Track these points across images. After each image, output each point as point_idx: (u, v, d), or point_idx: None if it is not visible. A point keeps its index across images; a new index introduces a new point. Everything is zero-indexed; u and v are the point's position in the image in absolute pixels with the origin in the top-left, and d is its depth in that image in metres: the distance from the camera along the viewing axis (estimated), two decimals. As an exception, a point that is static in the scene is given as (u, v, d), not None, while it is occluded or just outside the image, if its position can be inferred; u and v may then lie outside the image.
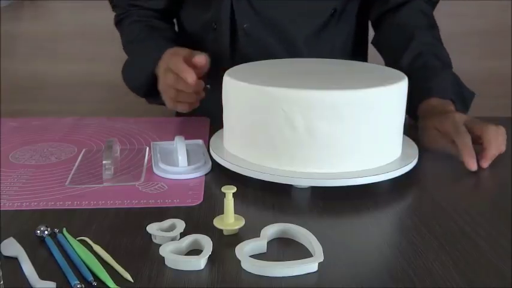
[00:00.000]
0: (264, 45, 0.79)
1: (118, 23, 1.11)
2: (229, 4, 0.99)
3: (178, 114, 1.13)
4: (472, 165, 0.77)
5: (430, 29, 1.02)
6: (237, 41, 1.00)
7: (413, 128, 0.86)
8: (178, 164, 0.77)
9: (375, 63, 0.89)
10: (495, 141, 0.79)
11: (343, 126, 0.68)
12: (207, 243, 0.56)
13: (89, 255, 0.55)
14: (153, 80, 0.94)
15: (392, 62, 0.96)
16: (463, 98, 0.94)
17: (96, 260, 0.54)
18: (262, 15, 1.00)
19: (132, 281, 0.51)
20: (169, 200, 0.68)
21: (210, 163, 0.78)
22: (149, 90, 0.98)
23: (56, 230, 0.60)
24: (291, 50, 0.99)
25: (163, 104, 0.94)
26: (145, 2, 1.06)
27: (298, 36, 0.98)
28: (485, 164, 0.78)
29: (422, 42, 0.97)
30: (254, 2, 0.99)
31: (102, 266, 0.53)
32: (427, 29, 1.01)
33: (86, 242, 0.58)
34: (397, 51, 0.98)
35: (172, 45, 0.95)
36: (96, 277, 0.52)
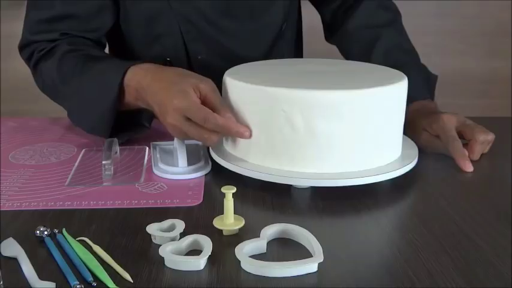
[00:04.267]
0: (221, 73, 0.79)
1: (39, 61, 0.92)
2: (181, 40, 0.98)
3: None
4: (468, 167, 0.78)
5: (393, 24, 1.03)
6: (195, 70, 0.97)
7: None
8: (178, 164, 0.77)
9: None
10: (480, 150, 0.82)
11: (343, 127, 0.68)
12: (206, 243, 0.56)
13: (89, 255, 0.55)
14: (118, 107, 0.82)
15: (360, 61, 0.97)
16: (432, 88, 0.97)
17: (95, 261, 0.54)
18: (215, 44, 1.00)
19: (131, 281, 0.51)
20: (169, 200, 0.68)
21: (210, 163, 0.78)
22: (115, 124, 0.85)
23: (56, 231, 0.60)
24: None
25: (133, 136, 0.88)
26: (86, 32, 0.94)
27: (253, 57, 0.97)
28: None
29: (388, 40, 0.99)
30: (205, 33, 0.98)
31: (102, 266, 0.53)
32: (390, 24, 1.02)
33: (86, 242, 0.58)
34: (364, 52, 0.99)
35: (134, 62, 0.82)
36: (95, 277, 0.52)
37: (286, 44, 1.09)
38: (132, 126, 0.89)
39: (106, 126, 0.84)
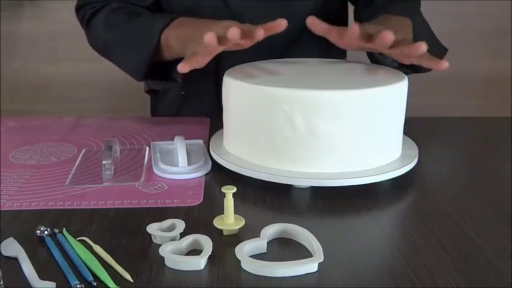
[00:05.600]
0: (241, 52, 0.81)
1: (91, 18, 1.00)
2: (210, 15, 0.98)
3: (177, 114, 1.13)
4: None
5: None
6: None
7: (413, 128, 0.86)
8: (178, 164, 0.77)
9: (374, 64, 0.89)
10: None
11: (343, 126, 0.68)
12: (207, 243, 0.56)
13: (89, 255, 0.55)
14: (155, 57, 0.90)
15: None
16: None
17: (96, 260, 0.54)
18: (241, 22, 1.00)
19: (132, 281, 0.51)
20: (169, 200, 0.68)
21: (210, 163, 0.78)
22: (150, 69, 0.92)
23: (56, 230, 0.60)
24: (266, 56, 0.98)
25: (166, 87, 0.94)
26: None
27: (274, 42, 0.97)
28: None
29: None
30: (233, 13, 0.99)
31: (102, 266, 0.53)
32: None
33: (86, 242, 0.58)
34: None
35: (176, 16, 0.90)
36: (96, 277, 0.52)
37: (313, 37, 1.07)
38: (164, 79, 0.96)
39: (144, 68, 0.91)
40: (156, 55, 0.90)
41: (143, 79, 0.97)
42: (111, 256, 0.55)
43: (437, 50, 0.95)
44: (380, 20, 0.82)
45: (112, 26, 0.96)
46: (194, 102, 1.08)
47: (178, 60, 0.86)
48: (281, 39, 1.00)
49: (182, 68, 0.73)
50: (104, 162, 0.74)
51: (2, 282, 0.51)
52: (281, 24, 0.76)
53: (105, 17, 0.98)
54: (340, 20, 1.12)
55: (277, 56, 0.94)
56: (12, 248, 0.57)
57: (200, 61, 0.76)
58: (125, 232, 0.60)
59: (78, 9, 1.03)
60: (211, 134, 0.85)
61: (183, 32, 0.85)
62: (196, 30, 0.80)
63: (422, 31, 0.89)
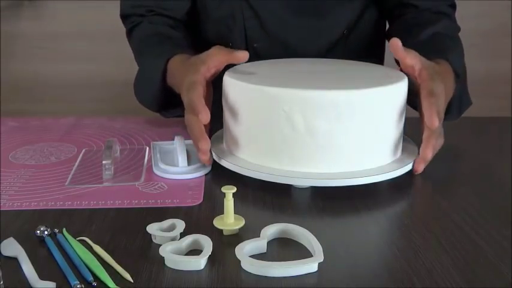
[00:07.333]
0: None
1: (129, 33, 1.04)
2: (242, 25, 1.00)
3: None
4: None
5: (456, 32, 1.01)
6: (249, 58, 1.00)
7: (413, 128, 0.86)
8: (178, 164, 0.77)
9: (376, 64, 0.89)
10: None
11: (343, 126, 0.68)
12: (207, 243, 0.56)
13: (89, 255, 0.55)
14: (164, 91, 0.90)
15: (406, 37, 0.87)
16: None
17: (96, 260, 0.54)
18: (273, 35, 1.01)
19: (132, 281, 0.51)
20: (169, 200, 0.68)
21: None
22: (162, 104, 0.93)
23: (56, 230, 0.60)
24: None
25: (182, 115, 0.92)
26: (165, 9, 1.01)
27: (308, 56, 0.97)
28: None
29: (445, 27, 0.96)
30: (264, 23, 1.00)
31: (102, 266, 0.53)
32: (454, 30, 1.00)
33: (86, 242, 0.58)
34: (415, 30, 0.93)
35: (178, 51, 0.89)
36: (96, 277, 0.52)
37: (348, 51, 1.05)
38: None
39: (154, 103, 0.94)
40: (165, 91, 0.90)
41: (158, 111, 0.97)
42: (111, 256, 0.55)
43: (463, 100, 0.92)
44: (436, 71, 0.77)
45: (136, 52, 0.99)
46: None
47: None
48: (314, 55, 1.00)
49: (203, 158, 0.75)
50: (104, 162, 0.74)
51: (2, 282, 0.51)
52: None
53: (135, 38, 1.00)
54: (377, 36, 1.10)
55: None
56: (12, 248, 0.57)
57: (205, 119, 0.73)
58: (125, 232, 0.60)
59: (122, 19, 1.05)
60: (211, 134, 0.85)
61: (175, 77, 0.86)
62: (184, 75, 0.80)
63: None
